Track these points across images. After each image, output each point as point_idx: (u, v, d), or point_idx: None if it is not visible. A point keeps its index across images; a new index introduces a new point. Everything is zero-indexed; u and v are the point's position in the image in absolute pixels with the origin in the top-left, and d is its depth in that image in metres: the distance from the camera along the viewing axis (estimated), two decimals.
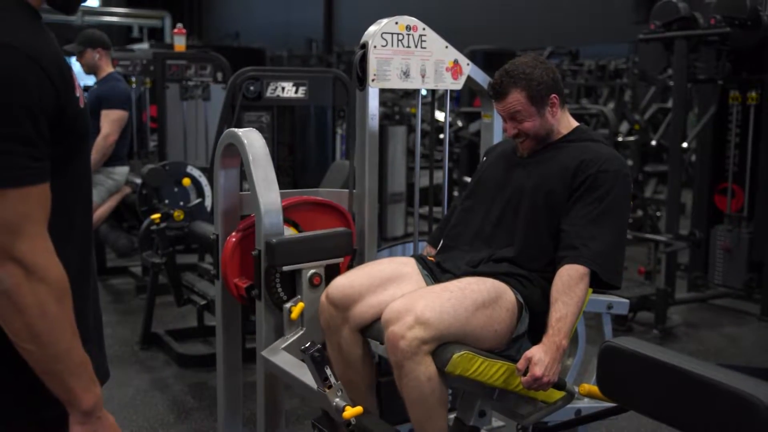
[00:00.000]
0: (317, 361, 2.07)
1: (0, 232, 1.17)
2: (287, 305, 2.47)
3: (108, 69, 4.96)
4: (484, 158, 2.70)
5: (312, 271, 2.48)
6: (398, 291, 2.26)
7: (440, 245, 2.57)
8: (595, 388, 1.97)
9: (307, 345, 2.11)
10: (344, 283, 2.32)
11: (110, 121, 4.80)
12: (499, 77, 2.36)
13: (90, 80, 5.38)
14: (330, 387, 2.08)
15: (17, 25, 1.21)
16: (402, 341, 2.03)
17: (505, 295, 2.21)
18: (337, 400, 2.07)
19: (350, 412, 2.04)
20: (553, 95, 2.35)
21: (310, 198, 2.78)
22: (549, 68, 2.37)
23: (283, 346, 2.47)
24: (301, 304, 2.46)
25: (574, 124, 2.47)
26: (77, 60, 4.94)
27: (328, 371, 2.08)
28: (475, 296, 2.14)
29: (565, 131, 2.43)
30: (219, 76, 5.78)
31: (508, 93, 2.33)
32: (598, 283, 2.25)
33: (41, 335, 1.21)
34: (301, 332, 2.48)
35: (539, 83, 2.32)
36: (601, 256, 2.20)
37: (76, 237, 1.36)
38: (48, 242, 1.22)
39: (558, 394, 2.17)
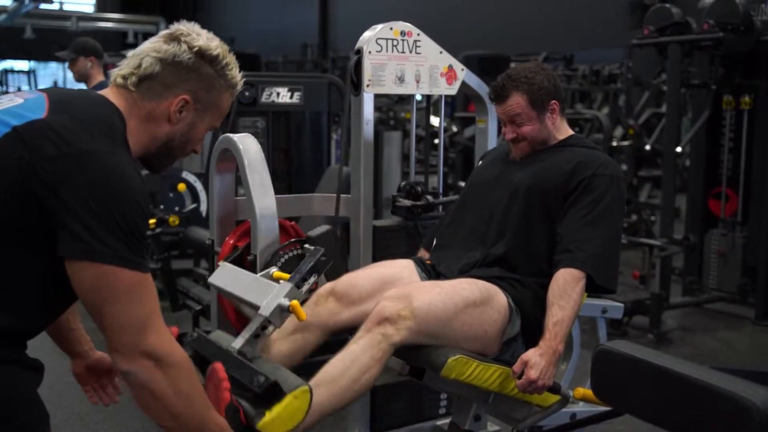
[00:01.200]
0: (316, 260, 1.96)
1: (131, 333, 1.34)
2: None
3: (99, 77, 4.94)
4: (480, 162, 2.71)
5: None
6: None
7: (434, 244, 2.58)
8: (589, 392, 1.96)
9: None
10: (347, 282, 2.32)
11: None
12: (501, 80, 2.38)
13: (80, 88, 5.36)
14: (299, 287, 1.90)
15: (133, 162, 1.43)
16: (388, 310, 2.04)
17: (497, 296, 2.23)
18: (284, 299, 1.82)
19: (298, 309, 1.82)
20: (554, 101, 2.38)
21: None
22: (550, 75, 2.40)
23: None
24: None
25: (570, 132, 2.49)
26: (69, 67, 4.91)
27: (315, 278, 1.98)
28: (466, 294, 2.16)
29: (561, 137, 2.45)
30: None
31: (509, 96, 2.36)
32: (593, 287, 2.25)
33: (180, 414, 1.40)
34: None
35: (540, 88, 2.34)
36: (595, 259, 2.21)
37: None
38: (166, 329, 1.39)
39: (553, 398, 2.17)
